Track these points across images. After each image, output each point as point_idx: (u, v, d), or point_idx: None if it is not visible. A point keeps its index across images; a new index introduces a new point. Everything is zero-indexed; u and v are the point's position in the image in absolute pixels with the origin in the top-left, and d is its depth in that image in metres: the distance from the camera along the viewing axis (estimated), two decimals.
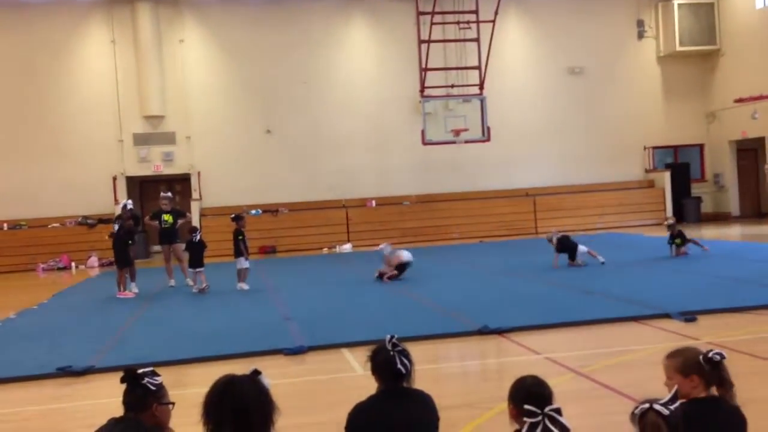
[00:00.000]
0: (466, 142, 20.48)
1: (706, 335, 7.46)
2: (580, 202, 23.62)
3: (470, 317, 8.94)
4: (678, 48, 24.06)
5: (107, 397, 6.70)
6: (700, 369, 3.11)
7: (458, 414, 5.40)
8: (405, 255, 13.28)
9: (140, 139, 22.46)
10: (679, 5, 24.04)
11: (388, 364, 3.24)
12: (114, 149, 22.25)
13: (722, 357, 3.13)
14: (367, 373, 3.33)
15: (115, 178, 22.02)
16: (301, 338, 8.29)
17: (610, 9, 24.60)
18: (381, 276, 13.10)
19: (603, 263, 13.27)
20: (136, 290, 13.46)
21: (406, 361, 3.26)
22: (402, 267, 13.09)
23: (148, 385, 2.87)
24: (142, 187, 23.31)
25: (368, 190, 23.11)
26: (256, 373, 2.57)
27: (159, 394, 2.88)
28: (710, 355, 3.12)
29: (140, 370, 2.99)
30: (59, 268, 20.23)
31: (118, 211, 14.93)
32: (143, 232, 19.80)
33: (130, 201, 15.18)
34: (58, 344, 9.02)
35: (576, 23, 24.26)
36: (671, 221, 14.77)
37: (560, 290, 11.02)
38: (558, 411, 2.66)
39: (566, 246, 13.56)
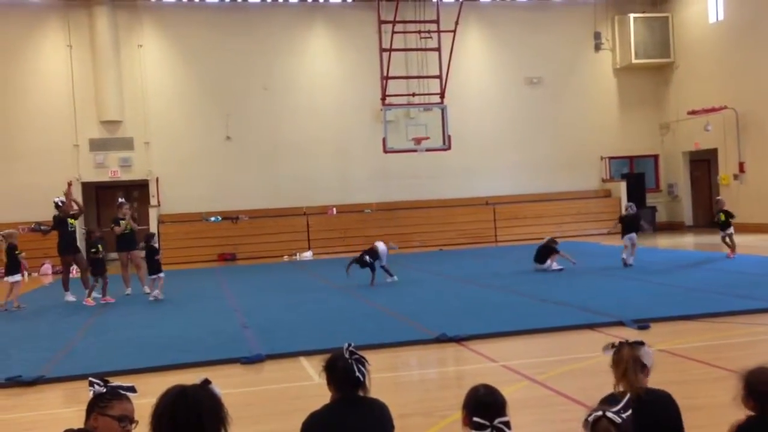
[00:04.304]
0: (427, 150, 20.57)
1: (659, 343, 7.59)
2: (539, 211, 23.90)
3: (428, 325, 8.96)
4: (633, 60, 24.55)
5: (57, 407, 6.56)
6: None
7: (414, 422, 5.41)
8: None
9: (97, 145, 22.08)
10: (635, 19, 24.55)
11: (346, 372, 3.23)
12: (69, 154, 21.82)
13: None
14: (324, 382, 3.31)
15: (70, 184, 21.51)
16: (258, 347, 8.22)
17: (568, 21, 25.01)
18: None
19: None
20: (71, 298, 13.21)
21: (363, 369, 3.25)
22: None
23: (90, 391, 2.81)
24: (98, 193, 22.89)
25: (329, 198, 23.07)
26: (207, 382, 2.53)
27: (102, 404, 2.80)
28: None
29: (113, 380, 2.90)
30: None
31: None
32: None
33: (58, 198, 14.83)
34: (8, 354, 8.79)
35: (535, 34, 24.61)
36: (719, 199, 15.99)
37: (517, 298, 11.12)
38: (507, 424, 2.66)
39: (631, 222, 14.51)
